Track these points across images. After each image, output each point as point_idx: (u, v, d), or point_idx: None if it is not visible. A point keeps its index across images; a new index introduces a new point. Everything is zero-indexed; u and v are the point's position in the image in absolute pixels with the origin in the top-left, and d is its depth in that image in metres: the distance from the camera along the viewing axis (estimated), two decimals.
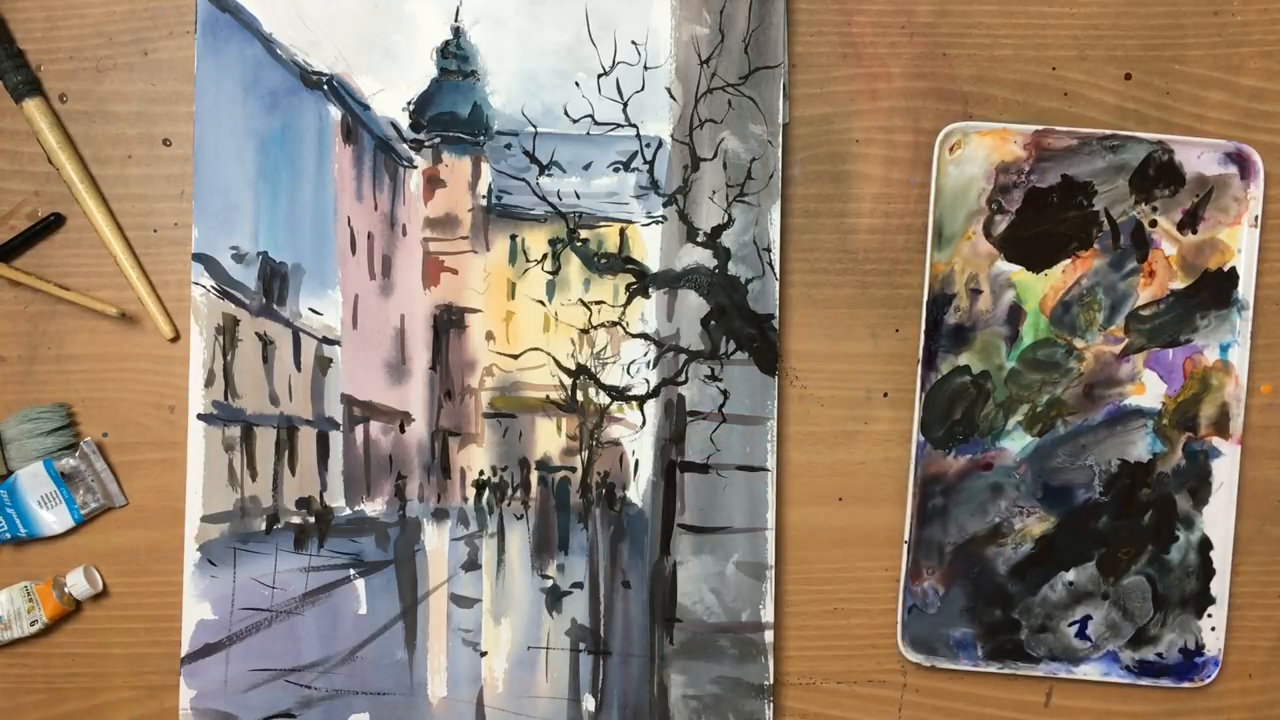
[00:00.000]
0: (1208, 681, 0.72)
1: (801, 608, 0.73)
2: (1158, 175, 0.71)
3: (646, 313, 0.72)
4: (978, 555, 0.72)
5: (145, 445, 0.72)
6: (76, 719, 0.72)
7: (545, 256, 0.72)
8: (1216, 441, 0.72)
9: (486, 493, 0.72)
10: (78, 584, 0.71)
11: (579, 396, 0.72)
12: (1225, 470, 0.72)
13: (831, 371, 0.73)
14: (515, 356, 0.72)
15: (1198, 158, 0.71)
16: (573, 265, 0.72)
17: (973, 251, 0.71)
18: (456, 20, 0.71)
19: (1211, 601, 0.72)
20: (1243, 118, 0.72)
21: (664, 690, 0.72)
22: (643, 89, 0.71)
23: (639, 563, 0.72)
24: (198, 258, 0.71)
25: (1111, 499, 0.72)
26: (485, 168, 0.72)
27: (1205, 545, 0.72)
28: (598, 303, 0.72)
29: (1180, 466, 0.72)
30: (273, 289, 0.71)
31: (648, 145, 0.71)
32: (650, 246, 0.72)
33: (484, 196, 0.72)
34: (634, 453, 0.72)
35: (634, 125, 0.71)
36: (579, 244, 0.72)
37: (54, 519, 0.71)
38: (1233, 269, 0.71)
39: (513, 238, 0.72)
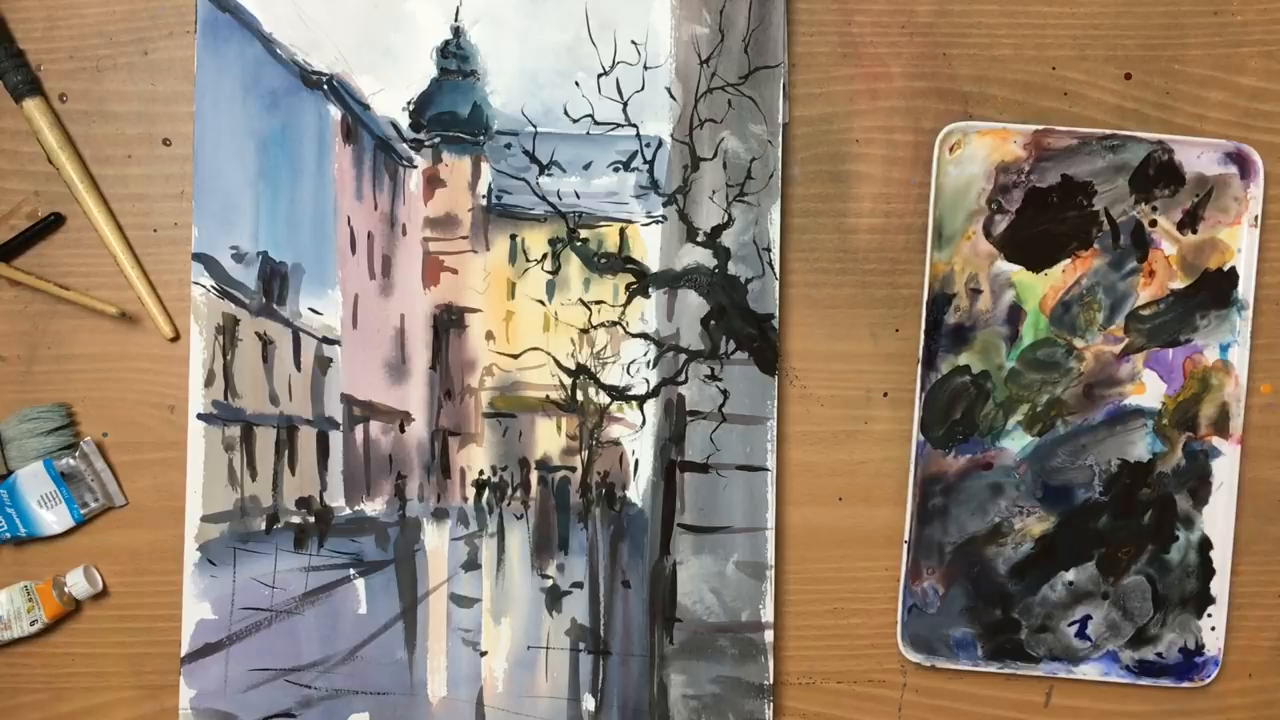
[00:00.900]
0: (1207, 681, 0.72)
1: (801, 608, 0.73)
2: (1158, 175, 0.71)
3: (646, 312, 0.72)
4: (978, 555, 0.72)
5: (145, 445, 0.72)
6: (76, 719, 0.72)
7: (545, 256, 0.72)
8: (1216, 441, 0.72)
9: (486, 492, 0.72)
10: (78, 584, 0.71)
11: (579, 396, 0.72)
12: (1225, 470, 0.72)
13: (831, 371, 0.73)
14: (515, 356, 0.72)
15: (1198, 157, 0.71)
16: (573, 265, 0.72)
17: (973, 251, 0.71)
18: (456, 20, 0.71)
19: (1211, 601, 0.72)
20: (1243, 118, 0.72)
21: (664, 690, 0.72)
22: (643, 89, 0.71)
23: (639, 562, 0.72)
24: (198, 257, 0.71)
25: (1111, 499, 0.72)
26: (485, 167, 0.72)
27: (1205, 545, 0.72)
28: (598, 302, 0.72)
29: (1180, 466, 0.72)
30: (273, 289, 0.71)
31: (648, 145, 0.71)
32: (650, 246, 0.72)
33: (484, 196, 0.72)
34: (634, 452, 0.72)
35: (634, 125, 0.71)
36: (579, 244, 0.72)
37: (54, 519, 0.71)
38: (1232, 269, 0.71)
39: (513, 237, 0.72)
